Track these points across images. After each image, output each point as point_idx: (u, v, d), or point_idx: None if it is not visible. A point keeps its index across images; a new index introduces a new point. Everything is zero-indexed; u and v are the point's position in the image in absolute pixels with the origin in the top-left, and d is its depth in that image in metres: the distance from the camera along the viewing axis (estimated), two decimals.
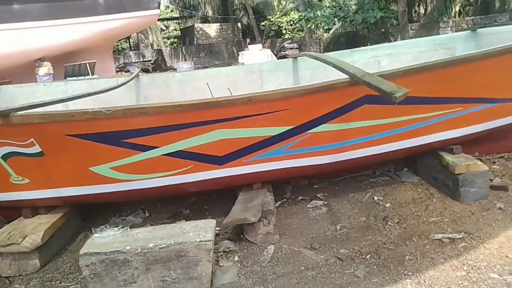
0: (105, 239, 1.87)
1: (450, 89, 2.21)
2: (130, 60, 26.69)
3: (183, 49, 27.34)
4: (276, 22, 21.46)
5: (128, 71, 18.74)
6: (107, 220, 2.79)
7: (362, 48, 3.87)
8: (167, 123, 1.92)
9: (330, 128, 2.12)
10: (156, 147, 2.01)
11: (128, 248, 1.77)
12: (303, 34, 18.10)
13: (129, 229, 1.95)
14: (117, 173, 2.08)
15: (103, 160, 2.01)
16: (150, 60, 26.42)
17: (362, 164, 2.63)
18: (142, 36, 30.55)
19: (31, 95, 3.58)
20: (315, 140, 2.17)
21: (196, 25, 28.76)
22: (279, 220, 2.50)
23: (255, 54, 14.82)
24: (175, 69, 21.33)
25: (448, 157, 2.45)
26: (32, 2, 13.04)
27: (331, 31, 17.55)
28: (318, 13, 11.98)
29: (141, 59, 27.28)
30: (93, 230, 1.96)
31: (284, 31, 23.97)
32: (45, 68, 13.94)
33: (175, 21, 32.40)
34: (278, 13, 23.43)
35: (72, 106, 3.60)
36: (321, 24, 11.89)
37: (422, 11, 20.02)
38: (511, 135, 3.04)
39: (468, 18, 11.11)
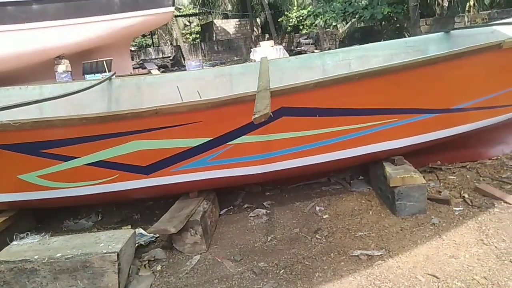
0: (21, 247, 1.93)
1: (378, 100, 2.12)
2: (150, 57, 27.18)
3: (202, 45, 27.56)
4: (292, 18, 21.23)
5: (145, 68, 19.05)
6: (61, 222, 2.88)
7: (333, 51, 3.78)
8: (81, 134, 1.96)
9: (251, 139, 2.10)
10: (77, 157, 2.05)
11: (36, 257, 1.82)
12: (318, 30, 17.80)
13: (47, 237, 2.01)
14: (45, 181, 2.14)
15: (27, 169, 2.07)
16: (169, 57, 26.78)
17: (297, 174, 2.58)
18: (162, 33, 31.03)
19: (6, 98, 3.72)
20: (239, 151, 2.15)
21: (215, 21, 28.89)
22: (218, 229, 2.51)
23: (266, 51, 14.77)
24: None
25: (388, 168, 2.37)
26: (50, 2, 13.48)
27: (346, 26, 17.22)
28: (328, 8, 11.74)
29: (161, 56, 27.71)
30: (14, 238, 2.03)
31: (301, 27, 23.66)
32: (64, 66, 14.44)
33: (197, 17, 32.58)
34: (295, 8, 23.12)
35: (46, 109, 3.74)
36: (329, 20, 11.65)
37: (446, 3, 19.25)
38: (475, 144, 2.91)
39: (483, 12, 10.59)
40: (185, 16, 31.76)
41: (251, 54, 15.70)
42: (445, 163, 2.95)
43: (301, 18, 19.24)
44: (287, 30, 24.81)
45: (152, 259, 2.19)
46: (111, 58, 14.28)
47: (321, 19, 11.68)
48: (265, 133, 2.09)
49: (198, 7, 29.35)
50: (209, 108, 1.93)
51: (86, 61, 13.82)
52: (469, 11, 10.52)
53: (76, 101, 3.80)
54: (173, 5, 16.74)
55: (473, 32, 3.33)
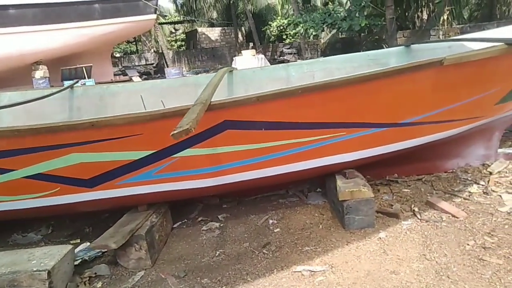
0: None
1: (324, 114, 2.11)
2: (133, 64, 26.96)
3: (186, 53, 27.51)
4: (273, 28, 21.41)
5: (126, 75, 18.85)
6: (9, 235, 2.78)
7: (298, 62, 3.81)
8: (16, 146, 1.89)
9: (197, 152, 2.06)
10: (14, 170, 1.98)
11: None
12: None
13: None
14: None
15: None
16: (152, 64, 26.61)
17: (250, 187, 2.55)
18: (145, 40, 30.85)
19: None
20: (186, 164, 2.11)
21: (199, 29, 28.86)
22: (168, 243, 2.45)
23: (248, 60, 14.83)
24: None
25: (339, 182, 2.36)
26: (27, 7, 13.26)
27: (327, 37, 17.49)
28: (308, 18, 11.89)
29: (144, 63, 27.53)
30: None
31: (284, 36, 23.87)
32: (41, 72, 14.22)
33: (183, 24, 32.43)
34: (279, 18, 23.36)
35: (4, 118, 3.64)
36: (309, 30, 11.80)
37: (425, 16, 19.70)
38: (431, 157, 2.94)
39: (457, 26, 10.89)
40: (169, 23, 31.63)
41: (233, 63, 15.74)
42: (402, 176, 2.96)
43: (281, 28, 19.40)
44: (271, 40, 25.00)
45: (94, 275, 2.12)
46: (91, 64, 14.14)
47: (301, 27, 11.80)
48: (211, 146, 2.06)
49: (183, 15, 29.32)
50: (148, 120, 1.89)
51: (65, 67, 13.63)
52: (443, 25, 10.79)
53: (37, 110, 3.71)
54: (155, 12, 16.69)
55: (432, 46, 3.40)
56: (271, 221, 2.53)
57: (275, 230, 2.40)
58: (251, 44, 25.88)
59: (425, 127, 2.36)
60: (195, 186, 2.20)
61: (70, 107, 3.83)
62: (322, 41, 18.27)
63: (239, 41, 27.85)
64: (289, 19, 14.12)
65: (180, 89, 3.82)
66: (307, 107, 2.05)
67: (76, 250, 2.44)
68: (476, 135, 2.86)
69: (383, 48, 13.31)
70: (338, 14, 11.58)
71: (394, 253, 2.00)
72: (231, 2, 26.15)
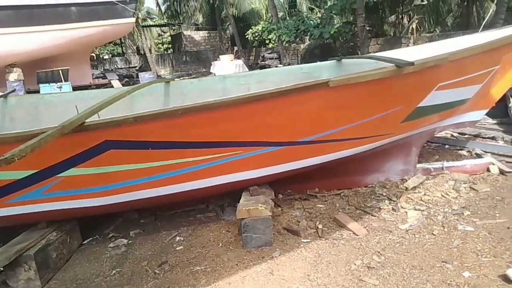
0: None
1: (214, 134, 2.10)
2: (116, 66, 26.79)
3: (171, 56, 27.47)
4: (249, 34, 21.47)
5: (105, 78, 18.71)
6: None
7: (235, 74, 3.82)
8: None
9: (82, 172, 2.03)
10: None
11: None
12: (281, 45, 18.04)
13: None
14: None
15: None
16: (135, 67, 26.48)
17: (147, 205, 2.53)
18: (130, 42, 30.67)
19: None
20: (72, 184, 2.07)
21: (184, 32, 28.82)
22: (71, 260, 2.41)
23: (226, 65, 14.83)
24: (159, 76, 21.33)
25: (242, 199, 2.35)
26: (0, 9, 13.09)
27: (306, 43, 17.59)
28: (281, 24, 11.92)
29: (127, 65, 27.37)
30: None
31: (267, 41, 23.93)
32: (15, 74, 14.02)
33: (170, 27, 32.33)
34: (262, 22, 23.41)
35: None
36: (282, 36, 11.83)
37: (406, 22, 19.90)
38: (352, 172, 2.95)
39: (425, 34, 11.04)
40: (153, 26, 31.52)
41: (211, 67, 15.71)
42: (322, 190, 2.96)
43: (257, 34, 19.48)
44: (254, 44, 25.04)
45: None
46: (68, 67, 13.99)
47: (274, 34, 11.84)
48: (96, 165, 2.02)
49: (167, 18, 29.26)
50: (19, 141, 1.85)
51: (41, 70, 13.46)
52: (412, 33, 10.93)
53: None
54: (134, 16, 16.60)
55: (359, 61, 3.42)
56: (178, 238, 2.50)
57: (177, 248, 2.38)
58: (235, 48, 25.89)
59: (326, 145, 2.37)
60: (86, 205, 2.17)
61: (2, 118, 3.76)
62: (302, 46, 18.36)
63: (223, 45, 27.88)
64: (263, 26, 14.16)
65: (120, 101, 3.77)
66: (194, 127, 2.04)
67: None
68: (394, 151, 2.88)
69: (358, 54, 13.41)
70: (311, 21, 11.64)
71: (280, 273, 1.99)
72: (216, 5, 26.22)
